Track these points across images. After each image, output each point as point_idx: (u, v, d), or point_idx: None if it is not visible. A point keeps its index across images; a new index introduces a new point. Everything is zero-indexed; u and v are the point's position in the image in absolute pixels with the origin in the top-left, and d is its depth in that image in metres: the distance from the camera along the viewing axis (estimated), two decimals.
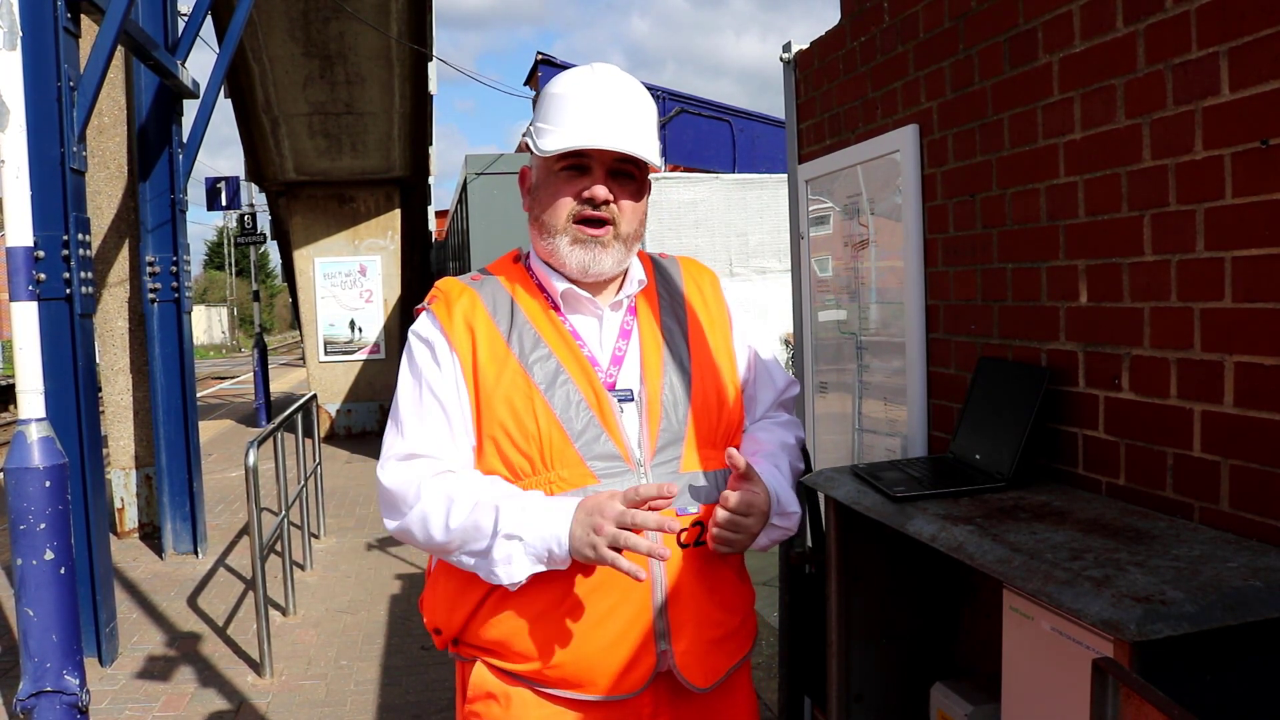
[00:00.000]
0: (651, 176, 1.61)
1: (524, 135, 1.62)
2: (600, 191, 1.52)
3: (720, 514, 1.50)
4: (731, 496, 1.50)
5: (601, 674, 1.49)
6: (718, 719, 1.60)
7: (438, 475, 1.51)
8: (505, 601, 1.51)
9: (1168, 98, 1.61)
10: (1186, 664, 1.20)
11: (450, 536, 1.46)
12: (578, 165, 1.53)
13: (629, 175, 1.55)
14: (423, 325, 1.60)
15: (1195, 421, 1.58)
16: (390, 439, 1.57)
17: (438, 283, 1.66)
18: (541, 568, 1.44)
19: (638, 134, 1.53)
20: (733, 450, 1.49)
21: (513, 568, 1.44)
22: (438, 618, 1.62)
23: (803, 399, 3.12)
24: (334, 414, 12.10)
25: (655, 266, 1.73)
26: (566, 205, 1.54)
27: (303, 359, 16.05)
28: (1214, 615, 1.18)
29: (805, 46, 3.10)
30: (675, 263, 1.77)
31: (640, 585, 1.48)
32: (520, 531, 1.43)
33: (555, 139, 1.51)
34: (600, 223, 1.54)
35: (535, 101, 1.65)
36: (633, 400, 1.55)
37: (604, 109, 1.51)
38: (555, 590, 1.48)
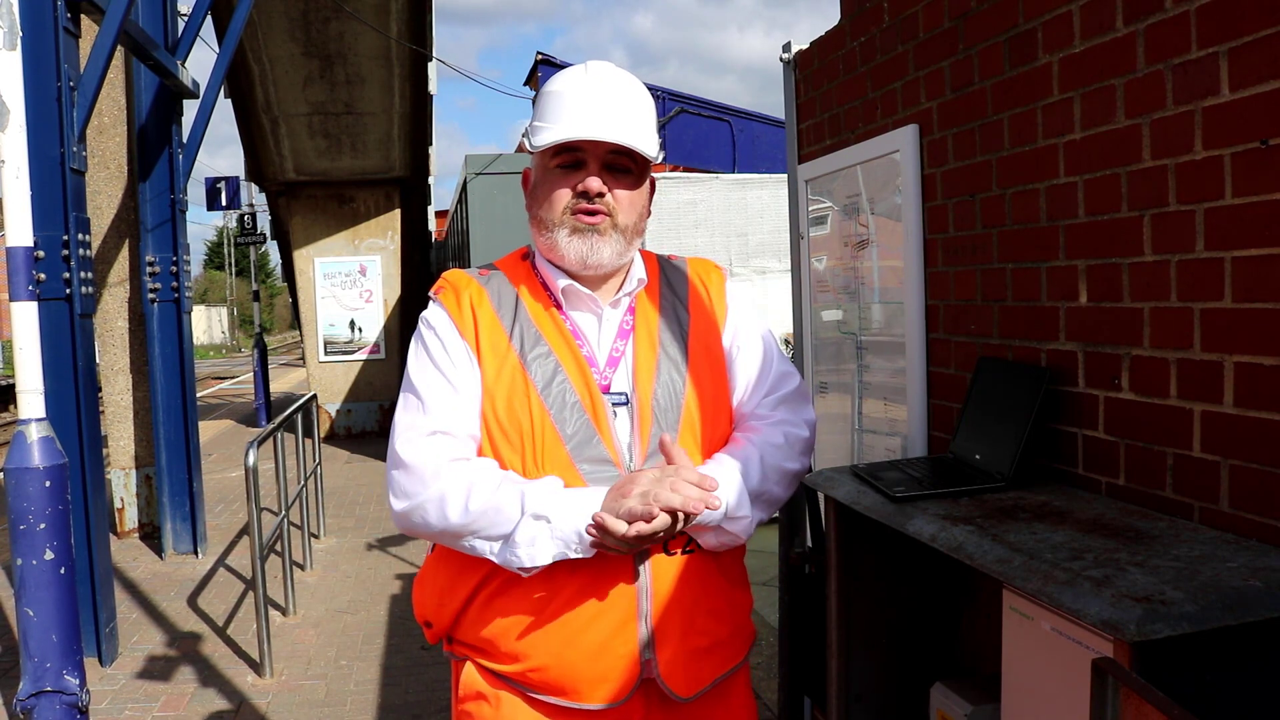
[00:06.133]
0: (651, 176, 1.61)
1: (522, 136, 1.62)
2: (594, 184, 1.52)
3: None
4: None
5: (585, 682, 1.48)
6: None
7: (455, 461, 1.49)
8: (493, 600, 1.51)
9: (1168, 98, 1.61)
10: (1186, 664, 1.20)
11: (469, 519, 1.44)
12: (573, 160, 1.53)
13: (625, 169, 1.55)
14: (433, 313, 1.59)
15: (1195, 421, 1.58)
16: (411, 416, 1.52)
17: (445, 274, 1.65)
18: (566, 554, 1.43)
19: (630, 126, 1.52)
20: (665, 438, 1.45)
21: (536, 549, 1.42)
22: (428, 610, 1.62)
23: None
24: (334, 414, 12.09)
25: (661, 267, 1.72)
26: (562, 199, 1.54)
27: (303, 359, 16.06)
28: (1214, 615, 1.18)
29: (805, 46, 3.10)
30: (684, 263, 1.75)
31: (625, 592, 1.47)
32: (548, 513, 1.42)
33: (547, 134, 1.52)
34: (595, 211, 1.54)
35: (534, 102, 1.66)
36: (626, 404, 1.54)
37: (596, 103, 1.52)
38: (541, 593, 1.47)
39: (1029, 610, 1.48)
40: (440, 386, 1.52)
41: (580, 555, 1.43)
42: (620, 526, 1.36)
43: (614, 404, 1.54)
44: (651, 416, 1.53)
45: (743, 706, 1.65)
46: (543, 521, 1.42)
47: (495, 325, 1.55)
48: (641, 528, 1.36)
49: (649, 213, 1.65)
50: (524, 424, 1.49)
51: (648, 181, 1.62)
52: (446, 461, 1.48)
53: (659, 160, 1.60)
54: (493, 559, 1.47)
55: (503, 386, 1.51)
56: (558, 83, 1.57)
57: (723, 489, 1.45)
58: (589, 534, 1.40)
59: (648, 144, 1.55)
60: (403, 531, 1.57)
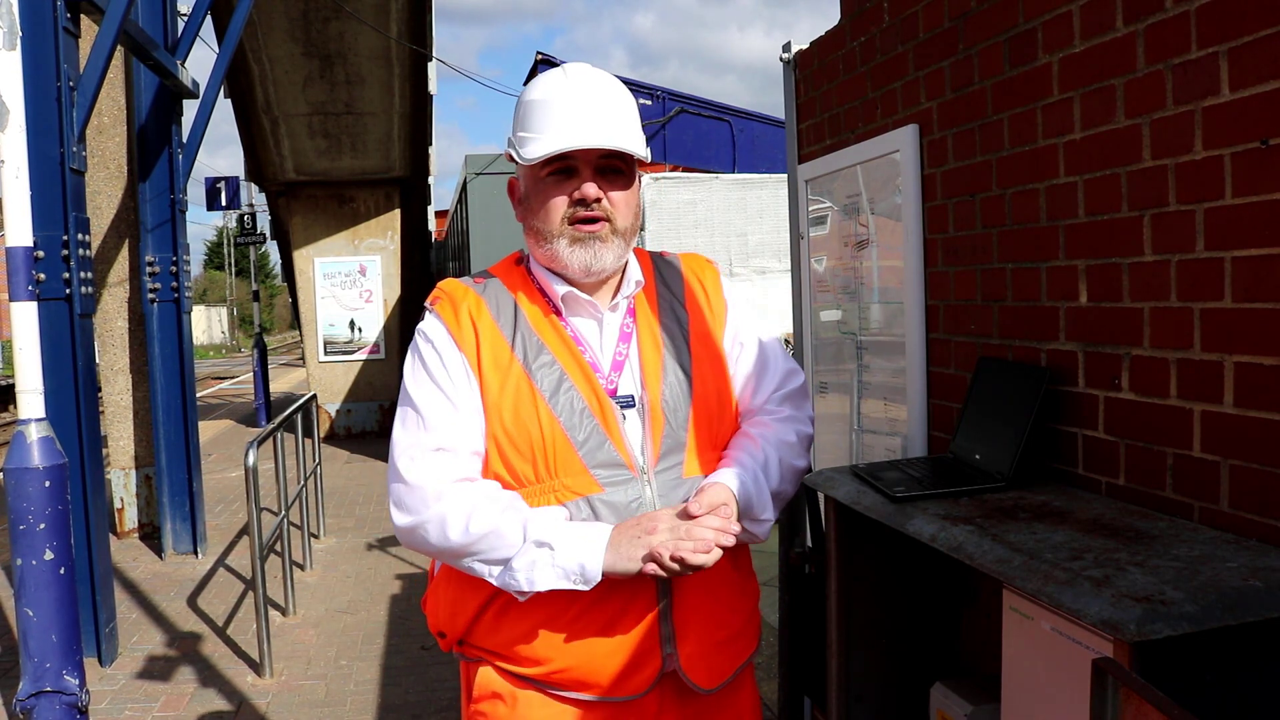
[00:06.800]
0: (652, 176, 1.62)
1: (507, 146, 1.61)
2: (591, 190, 1.52)
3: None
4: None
5: (607, 677, 1.49)
6: (723, 718, 1.61)
7: (459, 482, 1.49)
8: (509, 608, 1.51)
9: (1168, 98, 1.61)
10: (1186, 664, 1.20)
11: (469, 540, 1.45)
12: (565, 168, 1.53)
13: (617, 170, 1.55)
14: (430, 326, 1.59)
15: (1195, 421, 1.58)
16: (411, 434, 1.52)
17: (440, 284, 1.65)
18: (565, 584, 1.43)
19: (618, 128, 1.52)
20: (692, 506, 1.46)
21: (535, 574, 1.43)
22: (440, 622, 1.62)
23: None
24: (334, 414, 12.09)
25: (655, 266, 1.72)
26: (559, 209, 1.53)
27: (302, 359, 16.06)
28: (1214, 615, 1.18)
29: (805, 46, 3.10)
30: (677, 259, 1.76)
31: (645, 590, 1.49)
32: (551, 541, 1.42)
33: (538, 145, 1.51)
34: (594, 219, 1.54)
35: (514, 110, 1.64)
36: (634, 406, 1.55)
37: (582, 108, 1.51)
38: (560, 596, 1.47)
39: (1029, 610, 1.48)
40: (439, 403, 1.52)
41: (579, 587, 1.44)
42: (701, 559, 1.39)
43: (621, 407, 1.54)
44: (663, 417, 1.54)
45: (750, 698, 1.67)
46: (545, 549, 1.43)
47: (496, 335, 1.55)
48: (703, 559, 1.40)
49: (640, 208, 1.66)
50: (533, 434, 1.49)
51: (637, 179, 1.62)
52: (450, 482, 1.48)
53: (649, 160, 1.60)
54: (492, 581, 1.47)
55: (508, 398, 1.51)
56: (538, 90, 1.55)
57: (743, 493, 1.52)
58: (649, 566, 1.41)
59: (638, 144, 1.55)
60: (405, 546, 1.57)
